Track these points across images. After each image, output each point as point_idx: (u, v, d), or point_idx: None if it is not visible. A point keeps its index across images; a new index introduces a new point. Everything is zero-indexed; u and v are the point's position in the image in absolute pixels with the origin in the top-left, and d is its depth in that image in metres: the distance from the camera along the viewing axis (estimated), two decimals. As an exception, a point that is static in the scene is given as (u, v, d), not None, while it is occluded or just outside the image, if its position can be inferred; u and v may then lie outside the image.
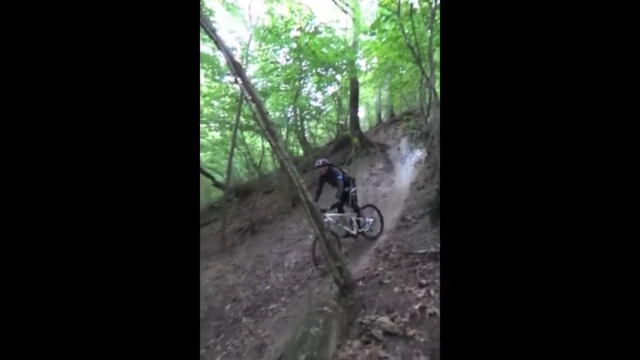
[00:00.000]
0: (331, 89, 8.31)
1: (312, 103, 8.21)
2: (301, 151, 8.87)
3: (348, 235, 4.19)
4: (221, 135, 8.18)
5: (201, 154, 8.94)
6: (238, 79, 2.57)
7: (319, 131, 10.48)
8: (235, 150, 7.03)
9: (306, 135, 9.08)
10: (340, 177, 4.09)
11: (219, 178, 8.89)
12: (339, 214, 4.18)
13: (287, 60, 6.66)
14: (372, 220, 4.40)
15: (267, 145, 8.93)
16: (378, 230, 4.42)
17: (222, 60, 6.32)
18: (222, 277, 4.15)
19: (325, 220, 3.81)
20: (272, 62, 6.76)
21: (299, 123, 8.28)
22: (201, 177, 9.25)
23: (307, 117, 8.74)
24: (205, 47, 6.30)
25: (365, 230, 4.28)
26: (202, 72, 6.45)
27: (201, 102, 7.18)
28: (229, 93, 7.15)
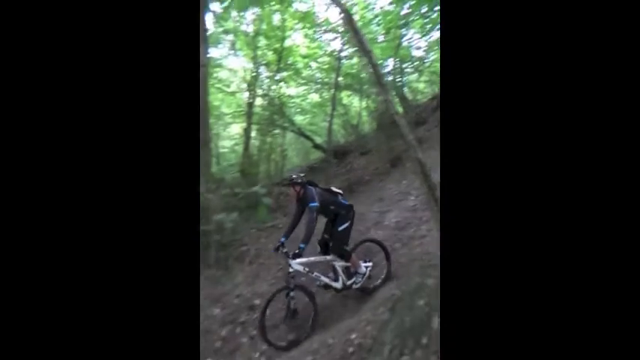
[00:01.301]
0: (437, 34, 7.25)
1: (415, 53, 7.41)
2: (400, 109, 8.32)
3: (327, 287, 2.85)
4: (320, 97, 8.37)
5: (300, 118, 9.45)
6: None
7: (421, 85, 9.52)
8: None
9: (405, 90, 8.41)
10: (313, 204, 2.65)
11: (318, 140, 9.31)
12: (312, 259, 2.82)
13: (389, 4, 6.07)
14: (369, 265, 2.98)
15: (364, 104, 8.70)
16: (383, 276, 2.99)
17: (320, 17, 6.25)
18: (326, 229, 4.48)
19: (290, 270, 2.66)
20: (371, 9, 6.28)
21: (398, 78, 7.68)
22: (301, 139, 9.87)
23: (408, 70, 8.00)
24: (302, 5, 6.31)
25: (356, 284, 2.84)
26: (302, 32, 6.55)
27: (301, 64, 7.40)
28: (327, 52, 7.11)
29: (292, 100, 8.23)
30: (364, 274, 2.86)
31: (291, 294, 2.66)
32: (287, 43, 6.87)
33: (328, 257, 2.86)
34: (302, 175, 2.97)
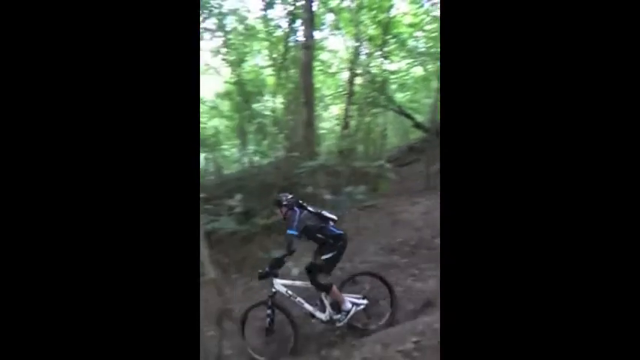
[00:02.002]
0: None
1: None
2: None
3: (312, 316, 2.64)
4: (424, 70, 7.66)
5: (400, 95, 8.92)
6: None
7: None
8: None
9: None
10: (290, 232, 2.50)
11: (418, 118, 8.64)
12: (297, 283, 2.68)
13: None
14: (362, 302, 2.64)
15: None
16: (386, 318, 2.62)
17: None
18: (430, 214, 4.21)
19: (273, 289, 2.57)
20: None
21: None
22: (401, 118, 9.35)
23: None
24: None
25: (339, 321, 2.56)
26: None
27: (405, 35, 6.86)
28: (435, 18, 6.35)
29: (393, 76, 7.79)
30: (348, 312, 2.57)
31: (268, 312, 2.60)
32: (391, 12, 6.43)
33: (308, 284, 2.68)
34: (290, 196, 2.80)
